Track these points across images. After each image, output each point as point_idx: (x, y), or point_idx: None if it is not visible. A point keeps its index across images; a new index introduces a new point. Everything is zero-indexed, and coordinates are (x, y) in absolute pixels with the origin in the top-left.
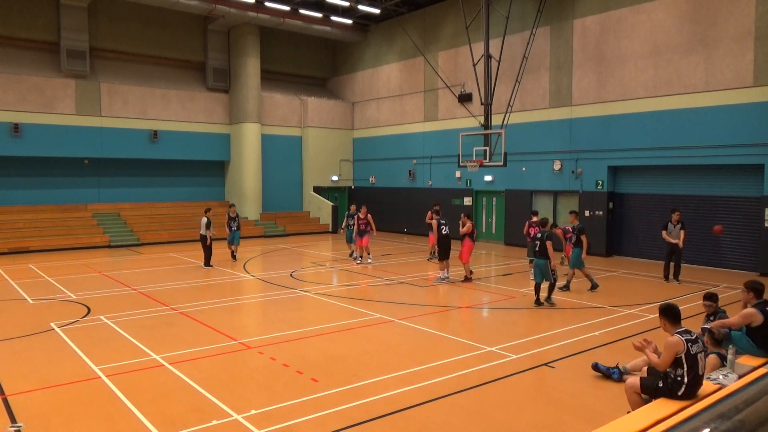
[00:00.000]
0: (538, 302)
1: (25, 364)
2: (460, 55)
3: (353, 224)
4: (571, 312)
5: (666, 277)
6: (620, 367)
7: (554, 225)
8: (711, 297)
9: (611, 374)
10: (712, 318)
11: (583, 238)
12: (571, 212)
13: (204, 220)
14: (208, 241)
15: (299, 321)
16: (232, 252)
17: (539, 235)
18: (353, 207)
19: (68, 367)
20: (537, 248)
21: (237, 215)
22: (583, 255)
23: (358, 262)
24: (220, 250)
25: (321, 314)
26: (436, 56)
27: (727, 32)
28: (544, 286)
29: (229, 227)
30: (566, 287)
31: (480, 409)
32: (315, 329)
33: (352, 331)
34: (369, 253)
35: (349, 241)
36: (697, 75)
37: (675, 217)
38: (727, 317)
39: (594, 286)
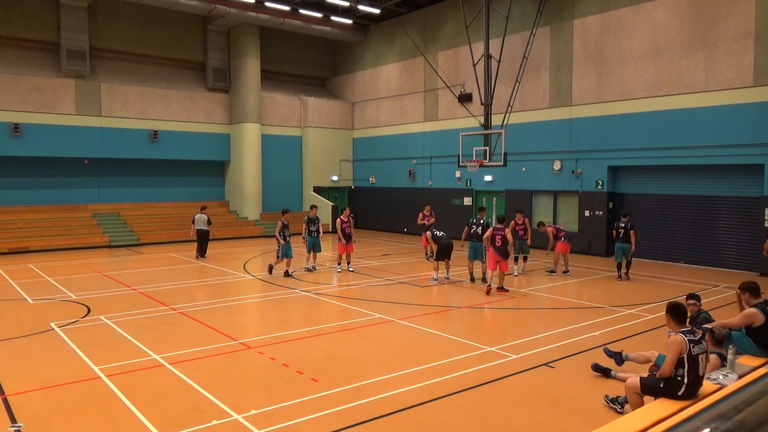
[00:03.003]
0: (620, 278)
1: (25, 364)
2: (460, 55)
3: (315, 230)
4: (571, 312)
5: None
6: (623, 354)
7: (541, 223)
8: (695, 297)
9: (616, 358)
10: (693, 322)
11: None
12: (484, 213)
13: (205, 216)
14: (207, 233)
15: (299, 321)
16: (313, 264)
17: (622, 225)
18: (314, 210)
19: (68, 367)
20: (621, 235)
21: (317, 217)
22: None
23: (339, 270)
24: (263, 254)
25: (321, 314)
26: (436, 56)
27: (727, 32)
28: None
29: (310, 232)
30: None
31: (480, 409)
32: (315, 329)
33: (352, 331)
34: (350, 261)
35: (313, 250)
36: (697, 75)
37: None
38: (712, 319)
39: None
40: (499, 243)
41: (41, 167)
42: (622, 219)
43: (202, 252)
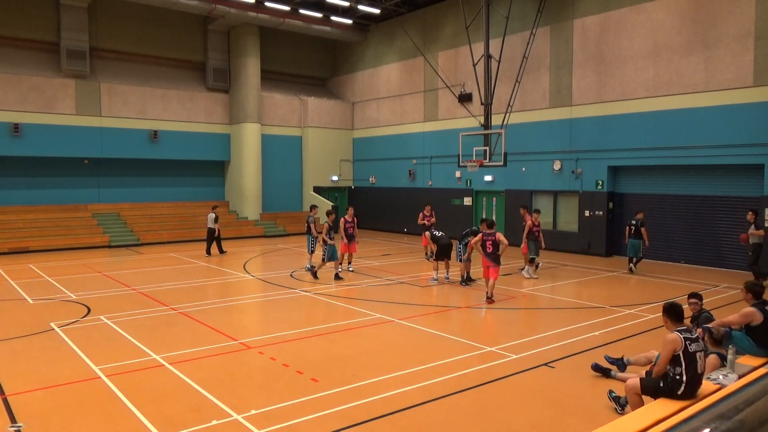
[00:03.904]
0: (631, 270)
1: (25, 364)
2: (460, 55)
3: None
4: (571, 312)
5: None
6: (625, 359)
7: (525, 207)
8: (696, 296)
9: (618, 364)
10: (695, 321)
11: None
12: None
13: (213, 215)
14: (217, 232)
15: (299, 321)
16: (315, 271)
17: (634, 222)
18: (316, 211)
19: (68, 367)
20: (633, 232)
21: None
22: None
23: (339, 269)
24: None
25: (321, 314)
26: (436, 56)
27: (727, 32)
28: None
29: (331, 237)
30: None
31: (480, 409)
32: (315, 329)
33: (352, 331)
34: (350, 261)
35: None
36: (697, 75)
37: (750, 216)
38: (713, 318)
39: (469, 280)
40: (490, 249)
41: (41, 167)
42: (636, 217)
43: (211, 249)
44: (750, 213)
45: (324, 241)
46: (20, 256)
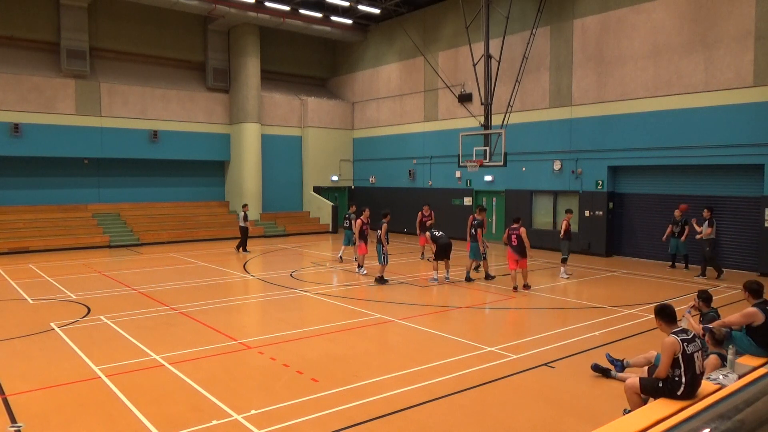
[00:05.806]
0: (672, 266)
1: (25, 364)
2: (460, 55)
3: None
4: (571, 312)
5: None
6: (624, 362)
7: (482, 208)
8: (702, 296)
9: (616, 364)
10: (693, 314)
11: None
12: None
13: (242, 214)
14: (246, 230)
15: (299, 321)
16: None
17: (680, 221)
18: (354, 207)
19: (68, 367)
20: (679, 231)
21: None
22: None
23: (357, 271)
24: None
25: (321, 314)
26: (436, 56)
27: (727, 32)
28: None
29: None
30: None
31: (480, 409)
32: (315, 329)
33: (352, 331)
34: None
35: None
36: (697, 75)
37: (706, 213)
38: (718, 318)
39: (468, 279)
40: (515, 242)
41: (41, 167)
42: (675, 217)
43: (241, 246)
44: (706, 210)
45: (381, 243)
46: (20, 256)
